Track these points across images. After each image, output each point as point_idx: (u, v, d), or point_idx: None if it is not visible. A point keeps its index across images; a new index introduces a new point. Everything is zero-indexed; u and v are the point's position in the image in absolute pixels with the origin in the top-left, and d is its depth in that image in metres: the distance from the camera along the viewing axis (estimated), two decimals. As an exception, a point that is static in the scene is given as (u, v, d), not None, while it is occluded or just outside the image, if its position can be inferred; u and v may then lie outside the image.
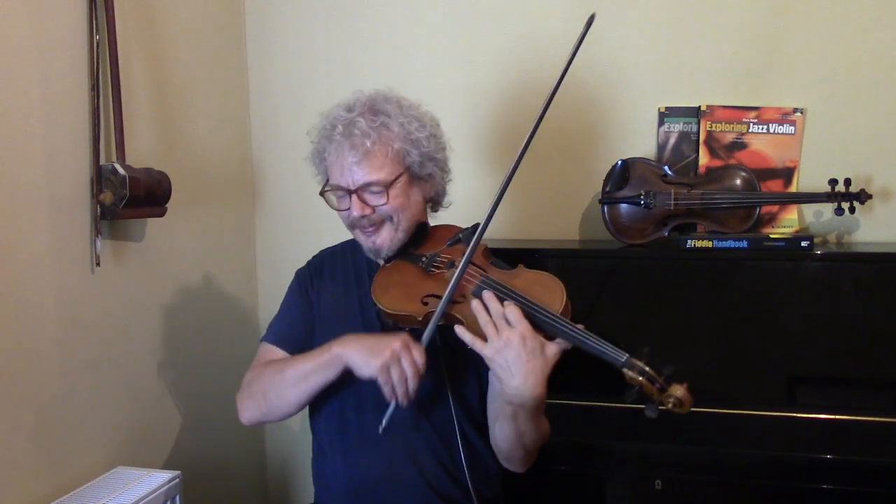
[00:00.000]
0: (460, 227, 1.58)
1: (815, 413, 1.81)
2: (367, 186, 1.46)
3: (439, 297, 1.37)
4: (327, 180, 1.53)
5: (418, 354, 1.34)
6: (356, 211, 1.47)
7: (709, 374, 1.90)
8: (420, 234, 1.57)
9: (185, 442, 2.10)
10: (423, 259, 1.50)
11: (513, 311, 1.29)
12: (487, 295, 1.33)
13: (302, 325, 1.60)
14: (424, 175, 1.52)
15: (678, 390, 1.24)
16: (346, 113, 1.49)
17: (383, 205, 1.47)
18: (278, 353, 1.58)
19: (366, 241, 1.52)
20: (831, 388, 1.87)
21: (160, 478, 1.72)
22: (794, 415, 1.81)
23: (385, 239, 1.51)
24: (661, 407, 1.23)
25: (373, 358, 1.34)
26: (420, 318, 1.39)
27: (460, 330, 1.33)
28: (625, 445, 1.77)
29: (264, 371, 1.52)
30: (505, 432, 1.42)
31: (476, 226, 1.43)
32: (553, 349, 1.30)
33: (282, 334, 1.61)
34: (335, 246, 1.71)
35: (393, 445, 1.46)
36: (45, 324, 1.63)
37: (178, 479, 1.74)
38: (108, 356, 1.81)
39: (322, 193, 1.54)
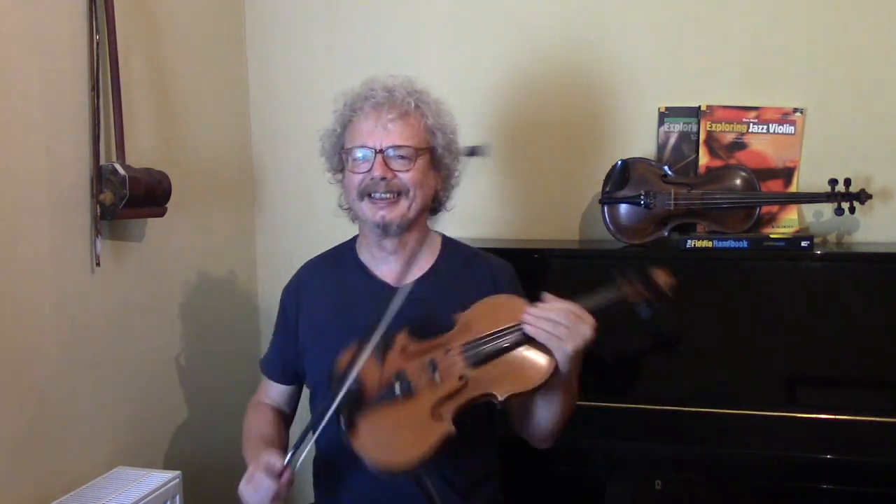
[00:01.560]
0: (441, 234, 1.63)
1: (815, 413, 1.81)
2: (395, 149, 1.45)
3: (450, 399, 1.31)
4: (342, 148, 1.51)
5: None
6: (378, 171, 1.44)
7: (709, 374, 1.90)
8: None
9: (185, 442, 2.10)
10: (397, 387, 1.34)
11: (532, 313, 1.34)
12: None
13: (286, 353, 1.62)
14: (443, 164, 1.53)
15: (661, 277, 1.41)
16: (383, 84, 1.50)
17: (406, 172, 1.45)
18: (270, 385, 1.67)
19: (374, 214, 1.47)
20: (831, 388, 1.87)
21: (160, 478, 1.72)
22: (794, 415, 1.81)
23: (398, 214, 1.47)
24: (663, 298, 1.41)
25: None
26: (448, 434, 1.28)
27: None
28: (625, 445, 1.77)
29: (247, 421, 1.63)
30: (552, 412, 1.45)
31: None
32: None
33: (270, 364, 1.67)
34: (317, 258, 1.68)
35: None
36: (45, 324, 1.63)
37: (178, 479, 1.74)
38: (108, 356, 1.81)
39: (343, 152, 1.51)
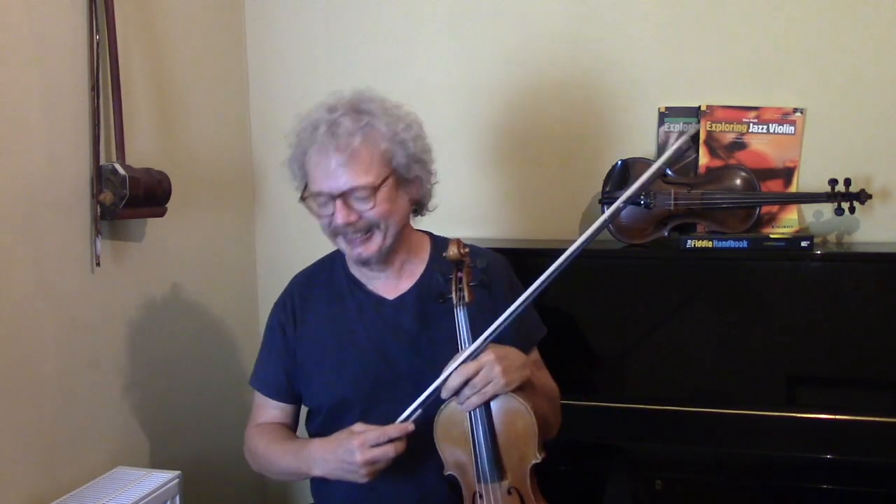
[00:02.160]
0: (431, 234, 1.61)
1: (815, 413, 1.81)
2: (352, 191, 1.38)
3: None
4: (305, 186, 1.46)
5: (383, 435, 1.33)
6: (341, 218, 1.39)
7: (709, 374, 1.90)
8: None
9: (185, 442, 2.10)
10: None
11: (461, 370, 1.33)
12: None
13: (285, 373, 1.57)
14: (411, 178, 1.45)
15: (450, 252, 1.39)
16: (329, 114, 1.41)
17: (370, 210, 1.40)
18: (269, 404, 1.59)
19: (350, 252, 1.46)
20: (831, 388, 1.87)
21: (160, 478, 1.72)
22: (794, 415, 1.81)
23: (374, 249, 1.44)
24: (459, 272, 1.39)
25: (350, 475, 1.35)
26: None
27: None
28: (625, 445, 1.77)
29: (258, 445, 1.55)
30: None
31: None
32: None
33: (267, 383, 1.59)
34: (306, 272, 1.63)
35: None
36: (45, 324, 1.63)
37: (178, 479, 1.74)
38: (108, 356, 1.81)
39: (302, 199, 1.46)
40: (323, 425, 1.53)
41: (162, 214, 1.87)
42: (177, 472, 1.75)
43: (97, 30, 1.72)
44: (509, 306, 1.36)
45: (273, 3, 2.37)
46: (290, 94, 2.39)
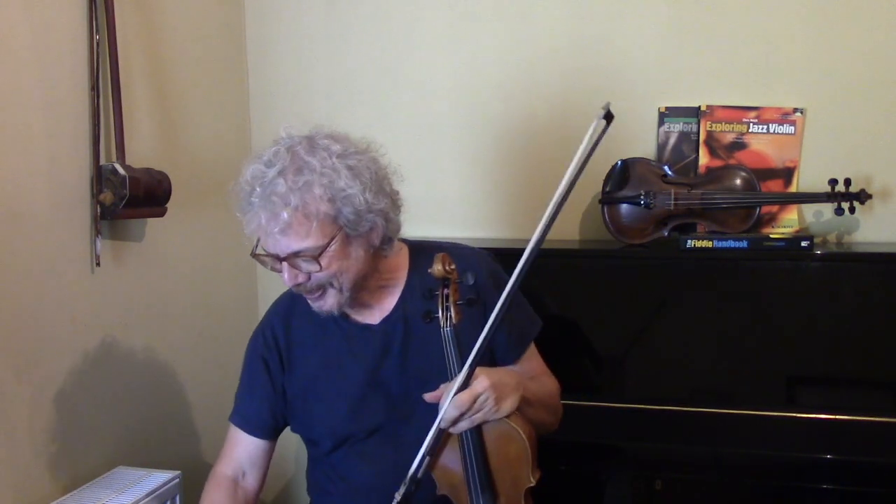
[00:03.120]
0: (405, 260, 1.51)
1: (814, 413, 1.81)
2: (296, 254, 1.30)
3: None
4: (258, 240, 1.36)
5: None
6: (289, 280, 1.33)
7: (709, 374, 1.91)
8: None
9: (185, 442, 2.10)
10: None
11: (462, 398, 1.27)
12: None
13: (269, 410, 1.50)
14: (363, 231, 1.34)
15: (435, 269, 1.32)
16: (266, 168, 1.29)
17: (318, 272, 1.32)
18: (245, 440, 1.51)
19: (312, 305, 1.40)
20: (831, 388, 1.87)
21: (160, 478, 1.72)
22: (794, 415, 1.82)
23: (332, 303, 1.38)
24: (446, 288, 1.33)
25: None
26: None
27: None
28: (625, 445, 1.77)
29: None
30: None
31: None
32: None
33: (248, 419, 1.51)
34: (284, 299, 1.54)
35: (389, 454, 1.44)
36: (45, 324, 1.63)
37: (178, 479, 1.74)
38: (108, 356, 1.81)
39: (253, 256, 1.37)
40: (324, 454, 1.51)
41: (162, 214, 1.87)
42: (177, 472, 1.75)
43: (97, 30, 1.72)
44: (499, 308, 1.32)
45: (273, 3, 2.37)
46: (290, 94, 2.39)
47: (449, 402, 1.25)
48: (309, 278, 1.33)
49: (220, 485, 1.53)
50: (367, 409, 1.46)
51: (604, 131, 1.12)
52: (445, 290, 1.33)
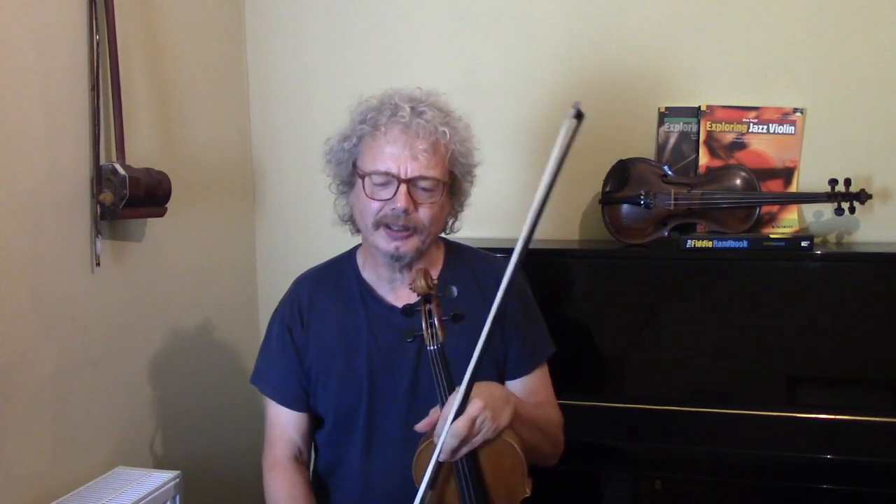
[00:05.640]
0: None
1: (814, 413, 1.81)
2: (421, 179, 1.35)
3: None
4: (354, 163, 1.39)
5: None
6: (401, 203, 1.34)
7: (709, 374, 1.90)
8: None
9: (185, 442, 2.10)
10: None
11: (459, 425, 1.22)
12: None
13: (296, 380, 1.51)
14: (460, 191, 1.44)
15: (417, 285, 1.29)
16: (409, 102, 1.37)
17: (429, 204, 1.37)
18: (286, 420, 1.51)
19: (388, 245, 1.39)
20: (831, 388, 1.87)
21: (160, 478, 1.72)
22: (794, 415, 1.81)
23: (411, 247, 1.39)
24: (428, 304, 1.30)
25: None
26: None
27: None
28: (625, 445, 1.77)
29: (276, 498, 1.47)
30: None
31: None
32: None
33: (281, 391, 1.52)
34: (313, 273, 1.57)
35: (397, 454, 1.44)
36: (45, 324, 1.63)
37: (178, 479, 1.74)
38: (108, 356, 1.81)
39: (362, 176, 1.38)
40: (331, 435, 1.52)
41: (162, 214, 1.87)
42: (177, 472, 1.75)
43: (97, 30, 1.72)
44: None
45: (273, 3, 2.37)
46: (290, 95, 2.39)
47: (445, 432, 1.20)
48: (416, 209, 1.36)
49: (287, 468, 1.49)
50: (376, 388, 1.46)
51: (576, 131, 1.12)
52: (428, 306, 1.29)
